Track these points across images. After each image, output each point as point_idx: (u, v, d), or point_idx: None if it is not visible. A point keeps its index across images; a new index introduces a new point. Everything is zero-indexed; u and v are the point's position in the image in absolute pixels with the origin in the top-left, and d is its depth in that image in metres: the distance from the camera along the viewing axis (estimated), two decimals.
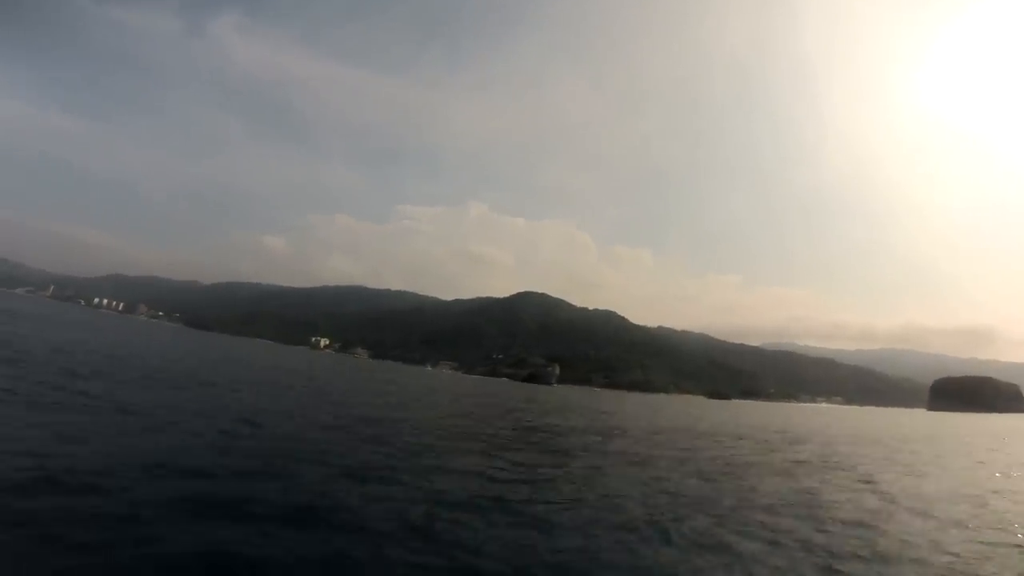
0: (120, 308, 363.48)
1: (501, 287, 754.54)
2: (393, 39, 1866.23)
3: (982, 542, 16.39)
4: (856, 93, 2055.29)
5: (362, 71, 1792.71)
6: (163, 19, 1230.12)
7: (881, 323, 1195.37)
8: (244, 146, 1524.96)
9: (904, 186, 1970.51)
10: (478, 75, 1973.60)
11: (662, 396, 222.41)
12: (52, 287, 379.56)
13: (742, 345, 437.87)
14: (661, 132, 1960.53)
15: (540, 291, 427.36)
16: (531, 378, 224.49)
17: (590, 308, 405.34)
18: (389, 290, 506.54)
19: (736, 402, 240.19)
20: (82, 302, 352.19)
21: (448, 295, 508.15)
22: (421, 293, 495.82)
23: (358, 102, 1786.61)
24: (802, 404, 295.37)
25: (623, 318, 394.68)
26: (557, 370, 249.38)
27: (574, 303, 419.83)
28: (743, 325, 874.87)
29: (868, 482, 26.39)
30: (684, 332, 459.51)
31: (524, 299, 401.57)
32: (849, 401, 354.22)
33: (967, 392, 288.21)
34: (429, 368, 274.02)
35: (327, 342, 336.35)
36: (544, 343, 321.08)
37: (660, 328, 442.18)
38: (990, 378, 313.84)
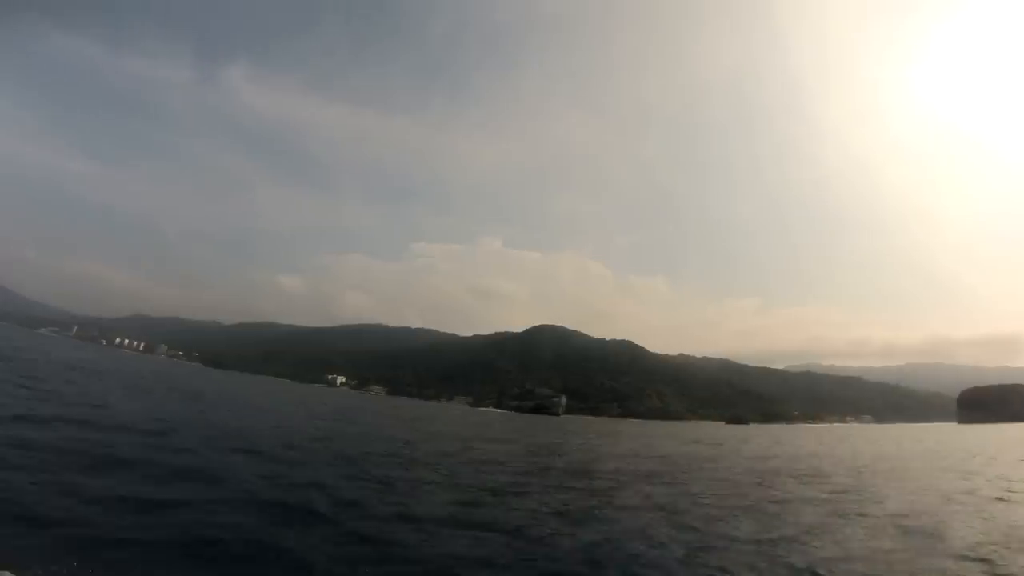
0: (141, 348, 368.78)
1: (520, 321, 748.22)
2: (398, 82, 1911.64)
3: None
4: (857, 102, 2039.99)
5: (370, 113, 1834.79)
6: (176, 69, 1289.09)
7: (904, 337, 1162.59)
8: (260, 188, 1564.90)
9: (914, 194, 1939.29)
10: (483, 111, 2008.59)
11: (677, 423, 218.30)
12: (76, 327, 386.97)
13: (765, 369, 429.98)
14: (665, 157, 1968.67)
15: (557, 323, 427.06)
16: (538, 409, 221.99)
17: (607, 339, 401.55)
18: (408, 327, 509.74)
19: (754, 427, 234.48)
20: (104, 342, 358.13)
21: (467, 331, 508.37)
22: (440, 330, 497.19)
23: (369, 143, 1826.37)
24: (829, 425, 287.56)
25: (640, 347, 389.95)
26: (564, 400, 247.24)
27: (592, 334, 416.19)
28: (765, 348, 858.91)
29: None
30: (705, 359, 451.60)
31: (540, 332, 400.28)
32: (879, 419, 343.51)
33: (995, 401, 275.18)
34: (444, 402, 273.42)
35: (343, 380, 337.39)
36: (560, 375, 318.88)
37: (680, 356, 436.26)
38: (1019, 385, 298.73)
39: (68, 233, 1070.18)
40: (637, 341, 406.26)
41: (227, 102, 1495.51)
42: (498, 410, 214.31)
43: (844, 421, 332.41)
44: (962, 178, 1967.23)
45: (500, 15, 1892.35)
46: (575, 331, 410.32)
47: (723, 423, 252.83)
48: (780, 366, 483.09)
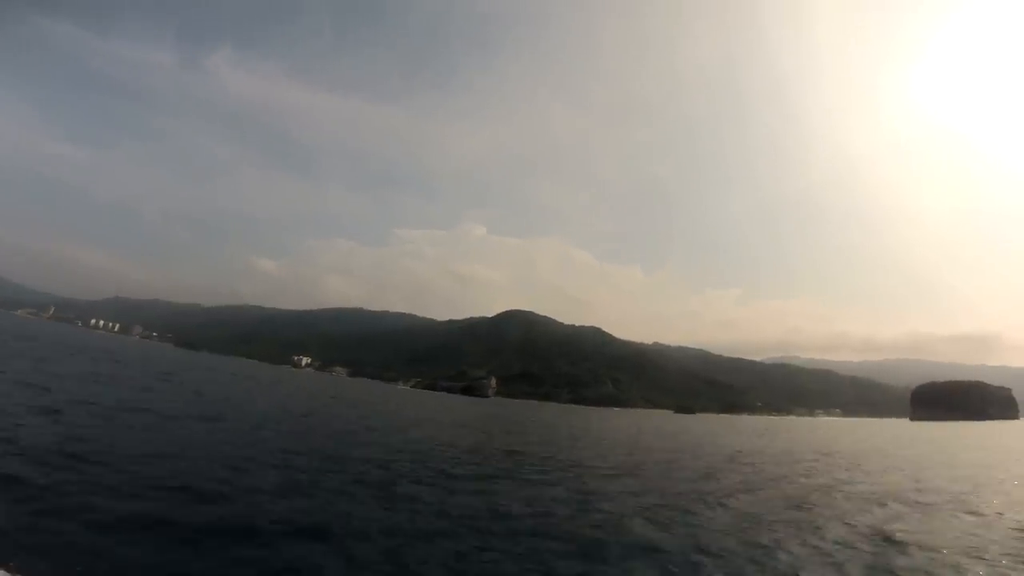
0: (116, 329, 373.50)
1: (499, 306, 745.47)
2: (383, 70, 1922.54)
3: None
4: (847, 101, 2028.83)
5: (354, 100, 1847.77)
6: (160, 53, 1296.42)
7: (884, 332, 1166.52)
8: (244, 173, 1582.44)
9: (900, 192, 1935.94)
10: (468, 100, 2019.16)
11: (615, 410, 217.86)
12: (53, 308, 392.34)
13: (737, 360, 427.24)
14: (650, 148, 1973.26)
15: (534, 309, 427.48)
16: (467, 390, 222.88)
17: (576, 325, 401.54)
18: (388, 312, 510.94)
19: (701, 416, 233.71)
20: (79, 323, 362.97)
21: (446, 315, 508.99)
22: (418, 314, 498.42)
23: (353, 130, 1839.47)
24: (786, 417, 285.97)
25: (608, 335, 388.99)
26: (493, 382, 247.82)
27: (570, 321, 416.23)
28: (744, 340, 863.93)
29: None
30: (680, 348, 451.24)
31: (509, 317, 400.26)
32: (848, 413, 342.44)
33: (954, 398, 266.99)
34: (401, 385, 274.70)
35: (308, 361, 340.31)
36: (521, 360, 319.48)
37: (655, 344, 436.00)
38: (979, 382, 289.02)
39: (50, 215, 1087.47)
40: (613, 329, 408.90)
41: (210, 86, 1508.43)
42: (432, 391, 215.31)
43: (812, 414, 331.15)
44: (949, 179, 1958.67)
45: (485, 5, 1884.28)
46: (545, 317, 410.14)
47: (671, 412, 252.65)
48: (759, 358, 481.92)
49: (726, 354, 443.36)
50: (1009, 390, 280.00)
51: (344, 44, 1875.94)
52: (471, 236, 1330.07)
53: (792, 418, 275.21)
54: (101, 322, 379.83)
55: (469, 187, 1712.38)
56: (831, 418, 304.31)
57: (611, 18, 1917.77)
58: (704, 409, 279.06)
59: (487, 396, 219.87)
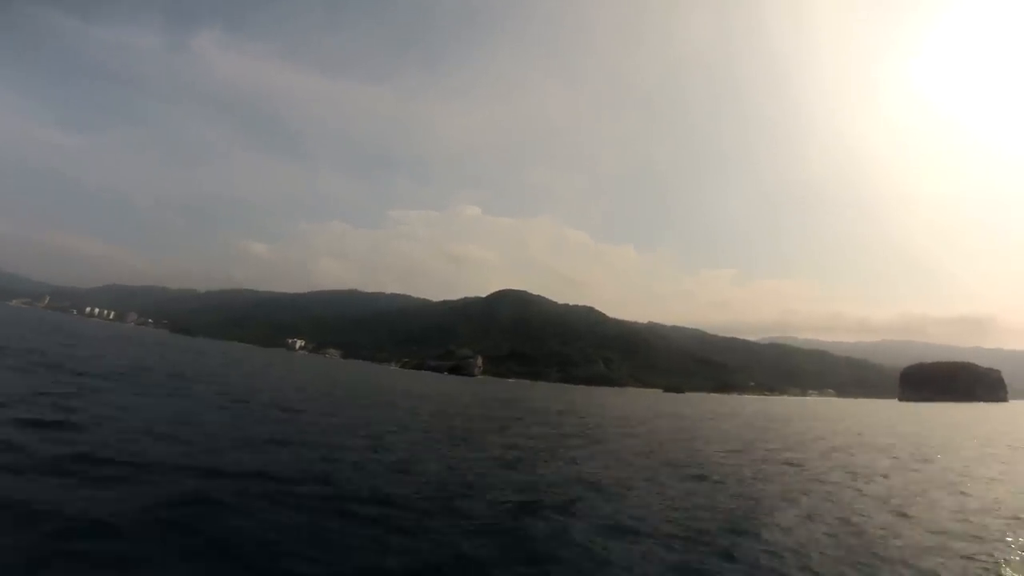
0: (111, 316, 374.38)
1: (494, 285, 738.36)
2: (372, 50, 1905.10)
3: None
4: (846, 87, 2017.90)
5: (345, 82, 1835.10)
6: (147, 36, 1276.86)
7: (879, 314, 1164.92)
8: (234, 156, 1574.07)
9: (898, 176, 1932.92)
10: (458, 80, 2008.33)
11: (604, 389, 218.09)
12: (48, 297, 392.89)
13: (731, 339, 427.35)
14: (646, 129, 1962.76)
15: (526, 289, 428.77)
16: (455, 370, 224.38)
17: (570, 304, 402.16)
18: (382, 293, 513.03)
19: (690, 395, 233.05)
20: (75, 311, 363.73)
21: (441, 296, 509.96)
22: (414, 295, 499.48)
23: (344, 111, 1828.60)
24: (784, 397, 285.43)
25: (601, 314, 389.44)
26: (480, 361, 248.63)
27: (564, 300, 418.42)
28: (740, 320, 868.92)
29: None
30: (675, 327, 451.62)
31: (502, 297, 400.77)
32: (842, 394, 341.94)
33: (942, 380, 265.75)
34: (393, 366, 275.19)
35: (302, 343, 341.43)
36: (512, 339, 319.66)
37: (649, 324, 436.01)
38: (969, 363, 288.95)
39: (41, 203, 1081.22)
40: (608, 309, 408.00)
41: (199, 69, 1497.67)
42: (419, 371, 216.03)
43: (805, 394, 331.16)
44: (946, 164, 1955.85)
45: None
46: (538, 296, 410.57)
47: (661, 391, 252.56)
48: (754, 338, 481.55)
49: (721, 334, 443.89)
50: (998, 372, 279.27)
51: (336, 22, 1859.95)
52: (465, 216, 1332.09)
53: (785, 398, 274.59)
54: (96, 310, 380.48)
55: (463, 167, 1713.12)
56: (823, 398, 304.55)
57: (603, 1, 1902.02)
58: (696, 388, 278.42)
59: (473, 375, 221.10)
